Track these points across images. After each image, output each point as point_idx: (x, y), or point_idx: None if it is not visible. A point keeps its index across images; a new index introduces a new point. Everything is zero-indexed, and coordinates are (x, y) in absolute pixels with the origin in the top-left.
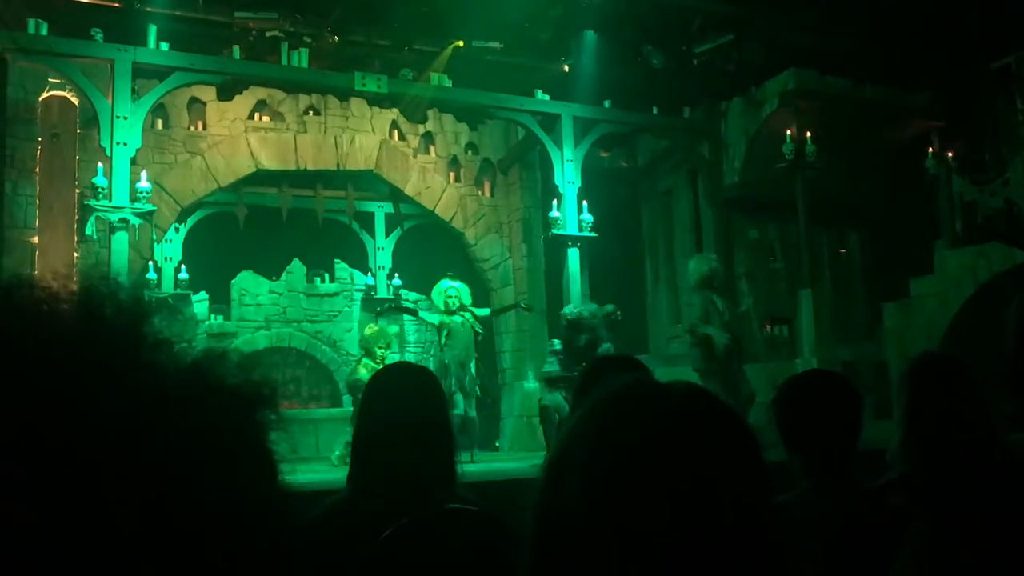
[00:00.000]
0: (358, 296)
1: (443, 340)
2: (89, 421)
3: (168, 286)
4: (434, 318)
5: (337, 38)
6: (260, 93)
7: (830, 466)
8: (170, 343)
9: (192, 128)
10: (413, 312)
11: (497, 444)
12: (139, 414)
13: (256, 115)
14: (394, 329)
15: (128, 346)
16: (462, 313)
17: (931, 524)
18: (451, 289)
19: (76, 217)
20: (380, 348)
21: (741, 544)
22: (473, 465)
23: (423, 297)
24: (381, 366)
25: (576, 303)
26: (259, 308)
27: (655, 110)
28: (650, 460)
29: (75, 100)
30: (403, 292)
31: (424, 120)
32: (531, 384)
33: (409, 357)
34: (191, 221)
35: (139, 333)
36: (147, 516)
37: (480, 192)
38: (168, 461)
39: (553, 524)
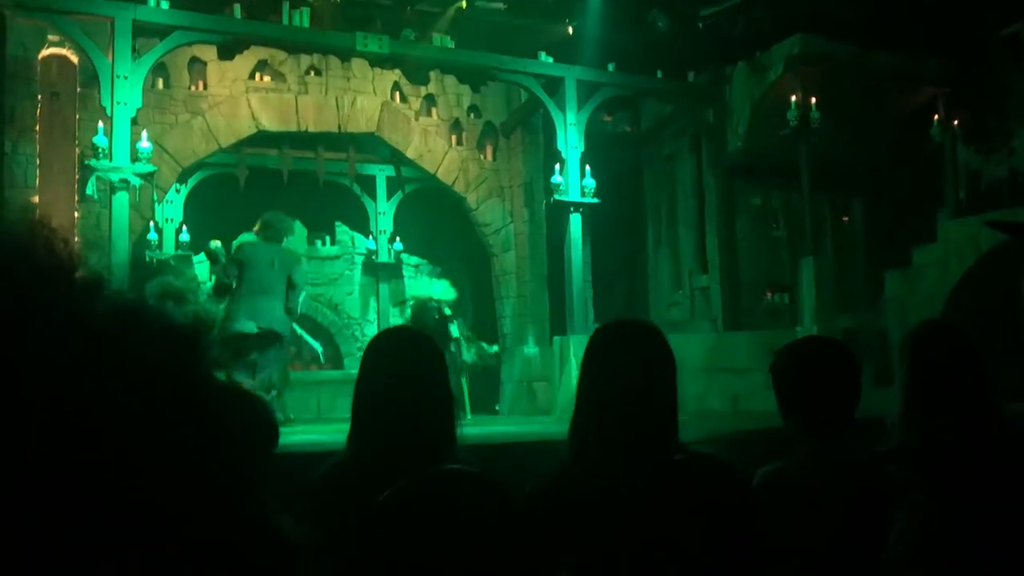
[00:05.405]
0: (359, 259)
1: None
2: (13, 362)
3: (169, 247)
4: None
5: None
6: (261, 53)
7: (826, 432)
8: (100, 285)
9: (193, 88)
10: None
11: (497, 408)
12: (65, 355)
13: (257, 75)
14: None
15: (57, 289)
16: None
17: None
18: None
19: (76, 177)
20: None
21: None
22: (472, 428)
23: (423, 261)
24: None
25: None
26: None
27: (659, 74)
28: None
29: (75, 59)
30: (404, 257)
31: (426, 82)
32: (531, 349)
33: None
34: (192, 182)
35: (69, 278)
36: (80, 453)
37: (482, 156)
38: (96, 401)
39: None
